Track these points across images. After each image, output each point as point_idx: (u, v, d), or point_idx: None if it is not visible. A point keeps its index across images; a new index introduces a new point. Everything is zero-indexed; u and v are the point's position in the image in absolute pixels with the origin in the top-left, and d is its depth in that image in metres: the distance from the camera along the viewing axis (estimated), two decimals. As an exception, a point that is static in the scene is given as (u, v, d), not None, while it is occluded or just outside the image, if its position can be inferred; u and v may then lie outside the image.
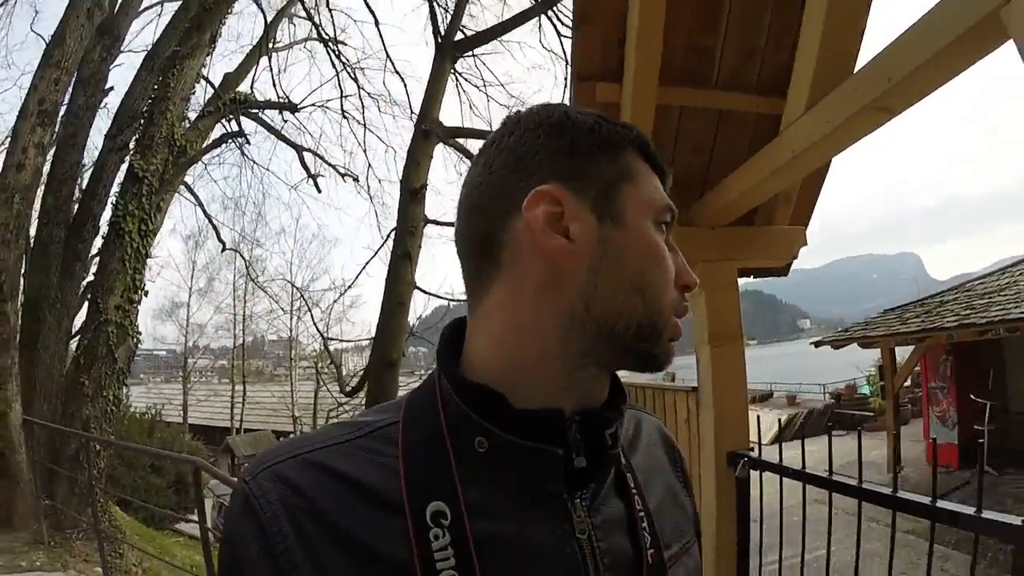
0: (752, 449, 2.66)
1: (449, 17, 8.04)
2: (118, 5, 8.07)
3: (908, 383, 14.46)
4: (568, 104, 0.71)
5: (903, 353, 11.90)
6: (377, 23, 9.88)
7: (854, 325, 12.90)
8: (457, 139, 8.38)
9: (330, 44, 10.60)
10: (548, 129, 0.67)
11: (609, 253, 0.64)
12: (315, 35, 10.99)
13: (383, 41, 15.71)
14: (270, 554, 0.57)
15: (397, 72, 10.29)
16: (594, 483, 0.67)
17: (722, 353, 2.69)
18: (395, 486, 0.60)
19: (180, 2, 8.84)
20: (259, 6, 9.88)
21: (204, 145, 8.65)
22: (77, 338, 8.10)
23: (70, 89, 7.43)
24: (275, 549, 0.57)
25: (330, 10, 11.11)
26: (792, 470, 2.33)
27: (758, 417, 2.83)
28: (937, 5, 1.30)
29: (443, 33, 7.85)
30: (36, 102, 6.78)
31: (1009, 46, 1.11)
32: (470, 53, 8.86)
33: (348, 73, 10.64)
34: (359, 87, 10.93)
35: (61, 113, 7.34)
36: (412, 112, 8.70)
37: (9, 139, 6.92)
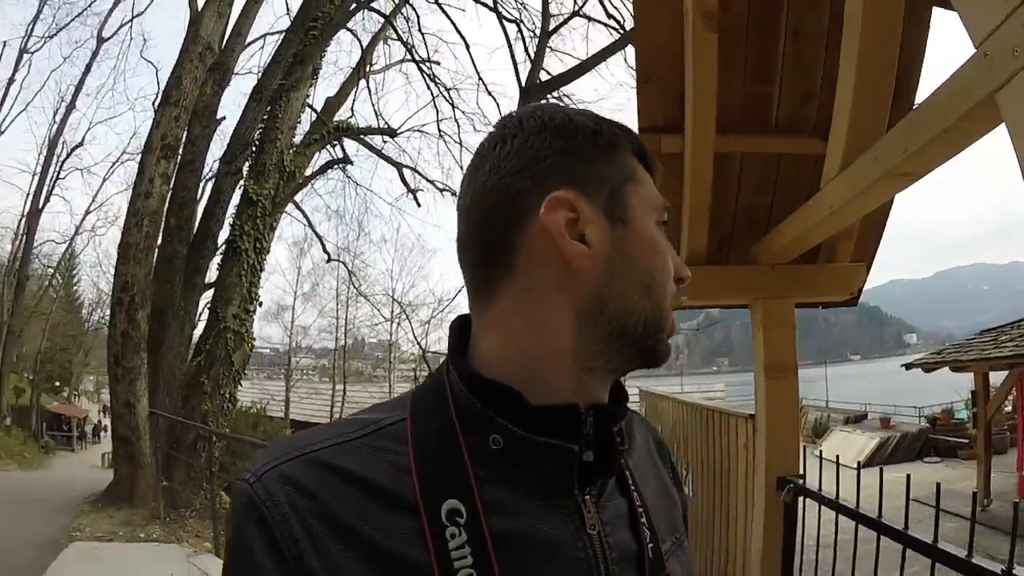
0: (801, 477, 2.72)
1: (530, 60, 8.47)
2: (225, 42, 9.00)
3: (1008, 408, 13.30)
4: (564, 106, 0.73)
5: (1000, 377, 10.97)
6: (467, 46, 10.40)
7: (947, 347, 12.22)
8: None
9: (423, 65, 11.26)
10: (554, 132, 0.67)
11: (622, 255, 0.66)
12: (409, 57, 11.67)
13: (474, 64, 16.34)
14: (282, 560, 0.55)
15: (489, 93, 10.81)
16: (602, 479, 0.68)
17: (777, 385, 2.79)
18: (407, 485, 0.60)
19: (283, 34, 9.75)
20: (354, 35, 10.69)
21: (312, 171, 9.55)
22: (196, 342, 9.07)
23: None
24: (287, 555, 0.55)
25: (422, 34, 11.76)
26: (833, 502, 2.40)
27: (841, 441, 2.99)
28: (941, 86, 1.36)
29: (525, 80, 8.28)
30: (159, 137, 7.79)
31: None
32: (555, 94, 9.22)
33: (444, 97, 11.26)
34: (454, 107, 11.49)
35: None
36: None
37: (136, 173, 7.92)
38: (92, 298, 39.22)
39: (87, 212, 33.15)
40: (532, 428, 0.62)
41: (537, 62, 8.38)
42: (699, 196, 2.56)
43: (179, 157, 8.19)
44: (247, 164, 8.47)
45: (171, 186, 8.26)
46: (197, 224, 8.43)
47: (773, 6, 2.35)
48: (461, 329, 0.71)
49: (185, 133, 8.32)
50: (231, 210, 8.59)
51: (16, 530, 7.76)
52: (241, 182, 8.52)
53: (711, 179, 2.53)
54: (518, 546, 0.59)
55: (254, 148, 8.51)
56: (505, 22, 9.54)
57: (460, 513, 0.59)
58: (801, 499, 2.67)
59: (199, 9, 8.27)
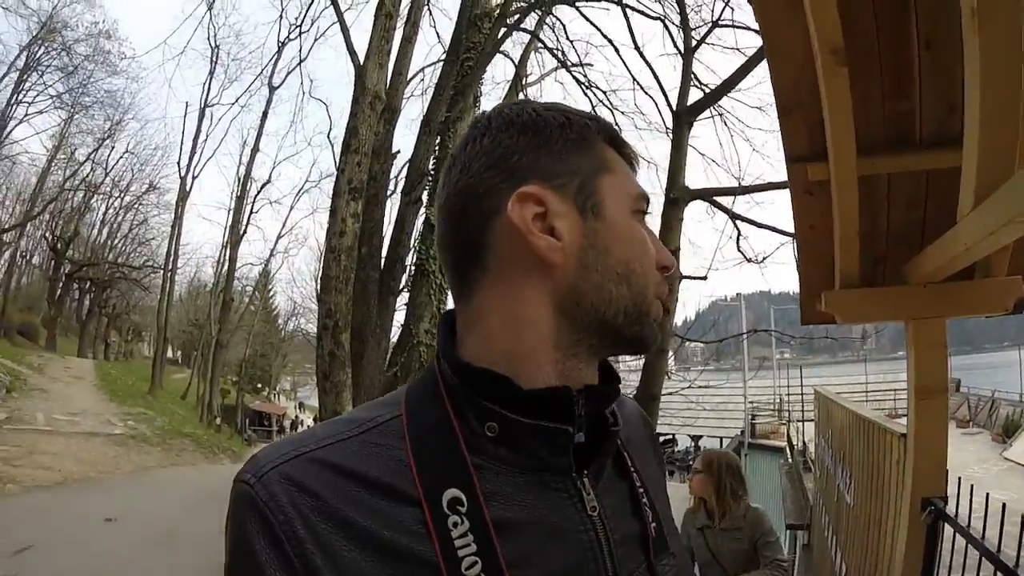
0: (944, 498, 2.73)
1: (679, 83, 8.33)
2: (388, 83, 9.84)
3: None
4: (534, 101, 0.73)
5: None
6: (616, 49, 10.48)
7: None
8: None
9: (575, 71, 11.53)
10: (521, 128, 0.69)
11: (595, 246, 0.67)
12: (561, 65, 12.00)
13: (625, 64, 16.02)
14: (286, 560, 0.55)
15: (646, 92, 10.82)
16: (598, 461, 0.68)
17: (927, 406, 2.82)
18: (407, 478, 0.60)
19: (439, 64, 10.51)
20: (507, 56, 11.28)
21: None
22: (391, 355, 10.08)
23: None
24: (291, 555, 0.55)
25: (570, 40, 12.04)
26: (966, 532, 2.38)
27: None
28: None
29: (676, 103, 8.27)
30: (346, 182, 8.86)
31: None
32: (707, 115, 9.08)
33: (602, 102, 11.42)
34: (612, 110, 11.57)
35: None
36: (667, 128, 9.02)
37: (329, 214, 9.00)
38: (287, 309, 43.77)
39: (279, 237, 37.19)
40: (525, 412, 0.63)
41: (685, 84, 8.35)
42: (847, 221, 2.58)
43: (364, 194, 9.15)
44: (425, 192, 9.29)
45: (360, 221, 9.25)
46: (386, 251, 9.37)
47: (901, 18, 2.26)
48: (451, 323, 0.72)
49: (367, 174, 9.27)
50: (416, 235, 9.48)
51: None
52: (422, 209, 9.37)
53: (857, 204, 2.53)
54: (520, 530, 0.61)
55: (430, 178, 9.32)
56: (650, 20, 9.68)
57: (461, 502, 0.59)
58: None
59: (362, 63, 9.16)
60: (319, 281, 9.48)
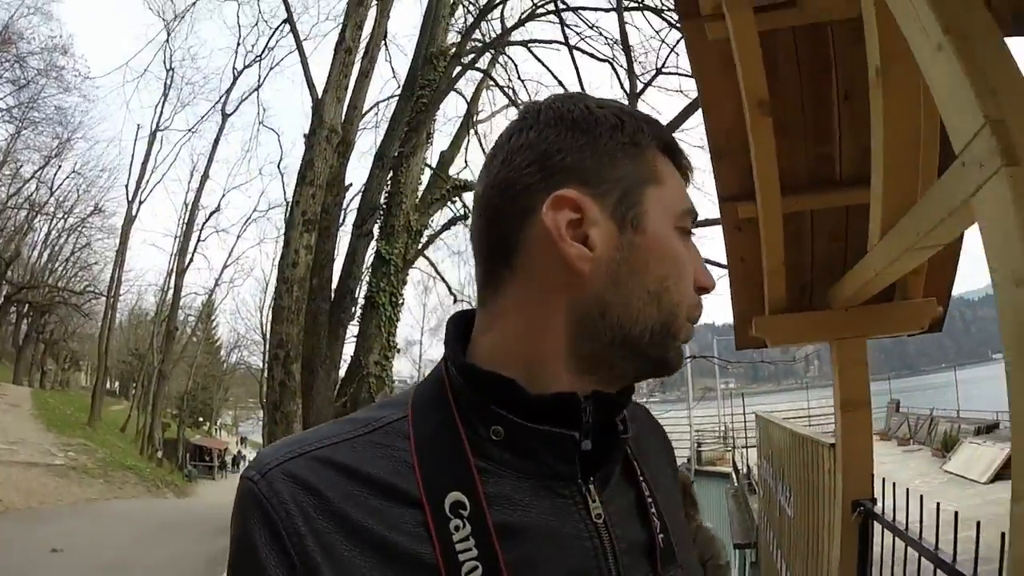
0: (874, 500, 2.95)
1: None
2: (343, 117, 10.01)
3: None
4: (589, 95, 0.70)
5: None
6: (566, 89, 10.84)
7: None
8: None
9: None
10: (571, 125, 0.65)
11: (629, 261, 0.64)
12: (511, 103, 12.31)
13: None
14: (287, 557, 0.55)
15: None
16: (606, 468, 0.67)
17: (851, 417, 3.06)
18: (410, 479, 0.60)
19: (394, 99, 10.73)
20: (459, 93, 11.58)
21: (437, 229, 10.56)
22: (340, 385, 10.09)
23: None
24: (292, 552, 0.55)
25: (521, 80, 12.31)
26: (891, 527, 2.61)
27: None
28: (936, 185, 1.55)
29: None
30: (300, 214, 8.99)
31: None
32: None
33: None
34: None
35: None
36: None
37: (283, 244, 9.10)
38: (230, 341, 42.79)
39: (224, 266, 36.40)
40: (531, 417, 0.61)
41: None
42: (774, 254, 2.85)
43: (317, 226, 9.23)
44: (376, 225, 9.42)
45: (313, 252, 9.31)
46: (336, 283, 9.43)
47: (823, 77, 2.51)
48: (459, 324, 0.71)
49: (320, 206, 9.36)
50: (366, 267, 9.57)
51: (185, 549, 8.95)
52: (372, 242, 9.49)
53: (782, 239, 2.79)
54: (522, 537, 0.59)
55: (382, 212, 9.47)
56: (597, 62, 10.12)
57: (463, 505, 0.58)
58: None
59: (320, 96, 9.32)
60: (271, 311, 9.59)
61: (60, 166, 32.92)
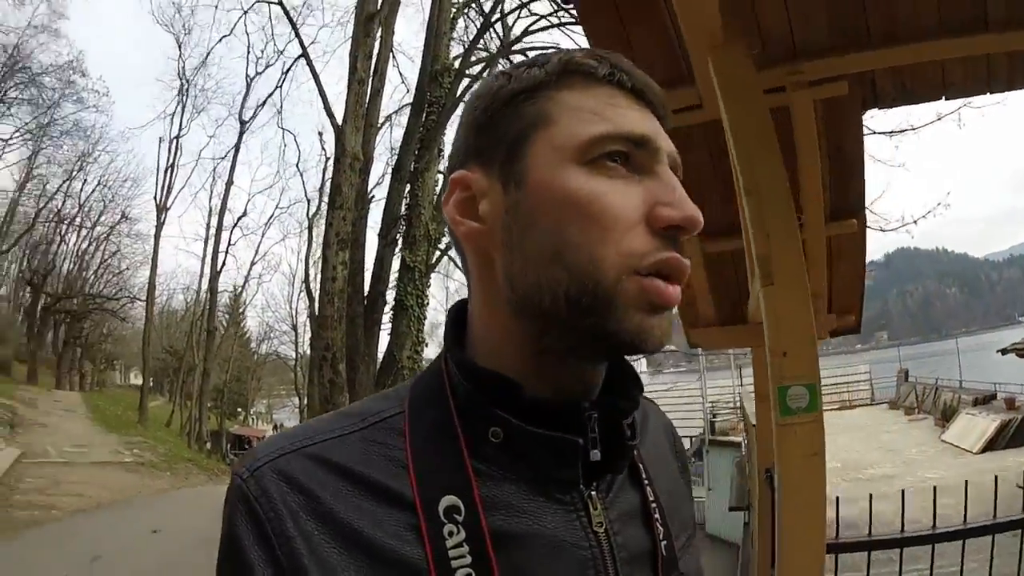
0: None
1: None
2: (361, 139, 11.11)
3: None
4: (507, 65, 0.60)
5: None
6: None
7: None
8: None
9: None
10: (469, 103, 0.63)
11: (517, 221, 0.58)
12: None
13: None
14: (274, 558, 0.54)
15: None
16: (610, 474, 0.63)
17: (762, 407, 3.66)
18: (404, 480, 0.57)
19: (406, 107, 11.81)
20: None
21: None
22: (377, 377, 11.35)
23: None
24: (279, 552, 0.54)
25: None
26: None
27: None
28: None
29: None
30: (335, 235, 10.30)
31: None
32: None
33: None
34: None
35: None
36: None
37: (322, 262, 10.52)
38: (260, 332, 44.56)
39: (252, 263, 38.10)
40: (532, 420, 0.58)
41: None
42: (699, 285, 3.72)
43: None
44: (400, 234, 10.63)
45: (347, 266, 10.57)
46: (368, 288, 10.66)
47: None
48: (457, 317, 0.67)
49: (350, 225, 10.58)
50: (394, 271, 10.85)
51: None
52: (397, 249, 10.72)
53: (705, 274, 3.64)
54: (519, 544, 0.56)
55: (403, 222, 10.66)
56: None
57: (458, 510, 0.56)
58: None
59: (340, 125, 10.47)
60: (315, 320, 10.87)
61: (86, 179, 34.49)
